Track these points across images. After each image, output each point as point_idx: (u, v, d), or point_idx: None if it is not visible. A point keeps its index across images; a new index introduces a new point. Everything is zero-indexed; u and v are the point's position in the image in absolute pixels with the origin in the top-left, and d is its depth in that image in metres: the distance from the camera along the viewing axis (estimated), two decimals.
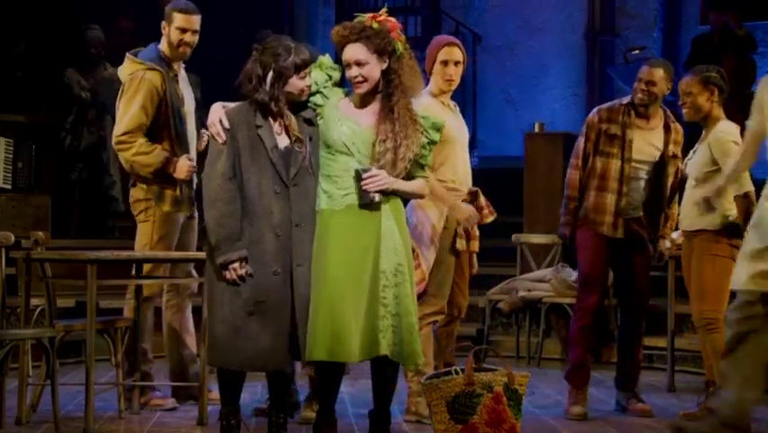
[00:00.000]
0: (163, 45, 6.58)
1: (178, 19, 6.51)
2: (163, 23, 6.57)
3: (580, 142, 6.62)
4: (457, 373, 5.40)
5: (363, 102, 5.42)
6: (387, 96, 5.37)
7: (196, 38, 6.57)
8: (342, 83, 5.54)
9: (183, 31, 6.51)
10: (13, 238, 6.21)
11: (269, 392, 5.67)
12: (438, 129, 5.51)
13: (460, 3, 13.48)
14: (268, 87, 5.32)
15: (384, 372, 5.46)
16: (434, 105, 6.19)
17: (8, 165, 9.77)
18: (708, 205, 6.14)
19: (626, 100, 6.60)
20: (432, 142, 5.48)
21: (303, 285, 5.29)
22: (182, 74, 6.70)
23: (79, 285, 6.10)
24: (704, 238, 6.24)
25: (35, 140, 9.94)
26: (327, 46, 7.23)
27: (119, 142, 6.46)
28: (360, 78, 5.33)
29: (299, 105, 5.45)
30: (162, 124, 6.48)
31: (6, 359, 5.98)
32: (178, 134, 6.52)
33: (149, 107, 6.43)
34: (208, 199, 5.30)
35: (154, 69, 6.47)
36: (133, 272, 6.49)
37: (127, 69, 6.55)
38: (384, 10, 5.42)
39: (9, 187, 9.75)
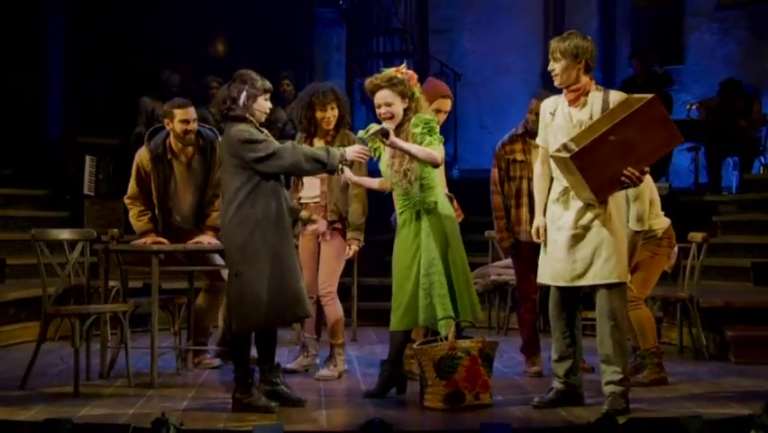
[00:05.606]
0: (171, 138, 6.44)
1: (179, 114, 6.34)
2: (166, 120, 6.40)
3: (494, 172, 6.51)
4: (442, 340, 5.37)
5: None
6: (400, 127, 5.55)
7: (196, 124, 6.42)
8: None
9: (186, 122, 6.35)
10: (95, 234, 6.26)
11: (257, 352, 5.40)
12: (427, 122, 5.54)
13: (444, 48, 13.43)
14: (241, 104, 5.23)
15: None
16: None
17: (92, 177, 9.76)
18: None
19: (520, 131, 6.48)
20: (428, 126, 5.51)
21: None
22: (189, 160, 6.49)
23: (146, 271, 6.09)
24: (647, 242, 6.01)
25: (113, 157, 9.84)
26: (340, 83, 7.25)
27: (126, 204, 6.56)
28: (388, 115, 5.52)
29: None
30: (154, 192, 6.46)
31: (91, 328, 6.05)
32: (162, 205, 6.46)
33: (139, 179, 6.47)
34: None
35: (147, 150, 6.45)
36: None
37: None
38: (403, 66, 5.60)
39: (93, 194, 9.72)
